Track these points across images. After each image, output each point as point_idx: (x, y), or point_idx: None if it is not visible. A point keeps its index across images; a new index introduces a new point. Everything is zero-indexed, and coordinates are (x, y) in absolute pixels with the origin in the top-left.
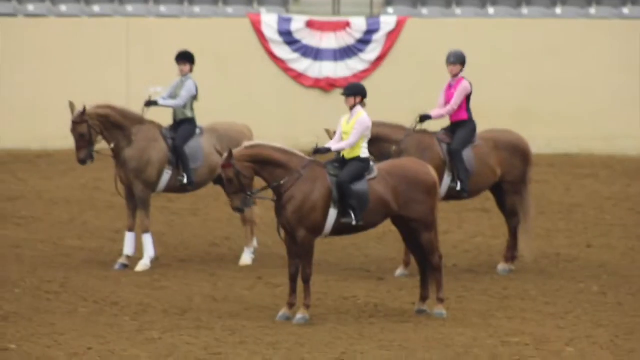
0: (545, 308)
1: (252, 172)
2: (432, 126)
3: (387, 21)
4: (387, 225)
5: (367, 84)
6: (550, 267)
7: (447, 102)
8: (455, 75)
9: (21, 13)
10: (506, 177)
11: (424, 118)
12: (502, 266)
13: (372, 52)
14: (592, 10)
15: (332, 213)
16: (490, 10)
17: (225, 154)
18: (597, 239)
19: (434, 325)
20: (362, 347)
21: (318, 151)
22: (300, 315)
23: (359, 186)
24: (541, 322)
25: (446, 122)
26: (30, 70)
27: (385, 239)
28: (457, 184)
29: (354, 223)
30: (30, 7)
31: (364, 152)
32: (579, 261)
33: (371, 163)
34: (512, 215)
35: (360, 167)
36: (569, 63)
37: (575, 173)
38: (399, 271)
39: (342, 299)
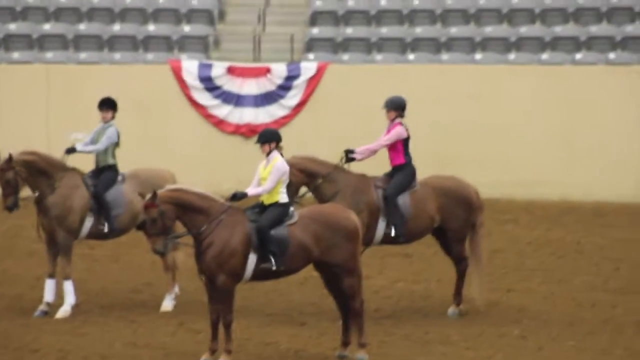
0: (467, 353)
1: (174, 214)
2: (372, 170)
3: (308, 67)
4: (309, 271)
5: (288, 129)
6: (472, 311)
7: None
8: (392, 121)
9: None
10: (447, 224)
11: (348, 152)
12: (451, 310)
13: (292, 98)
14: (512, 56)
15: (252, 258)
16: (410, 56)
17: (149, 195)
18: (517, 283)
19: None
20: None
21: (234, 197)
22: None
23: (279, 231)
24: None
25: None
26: None
27: (307, 284)
28: (391, 229)
29: (274, 268)
30: None
31: (282, 197)
32: (499, 306)
33: (291, 208)
34: (458, 262)
35: (280, 212)
36: (489, 108)
37: (497, 218)
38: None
39: (264, 344)
